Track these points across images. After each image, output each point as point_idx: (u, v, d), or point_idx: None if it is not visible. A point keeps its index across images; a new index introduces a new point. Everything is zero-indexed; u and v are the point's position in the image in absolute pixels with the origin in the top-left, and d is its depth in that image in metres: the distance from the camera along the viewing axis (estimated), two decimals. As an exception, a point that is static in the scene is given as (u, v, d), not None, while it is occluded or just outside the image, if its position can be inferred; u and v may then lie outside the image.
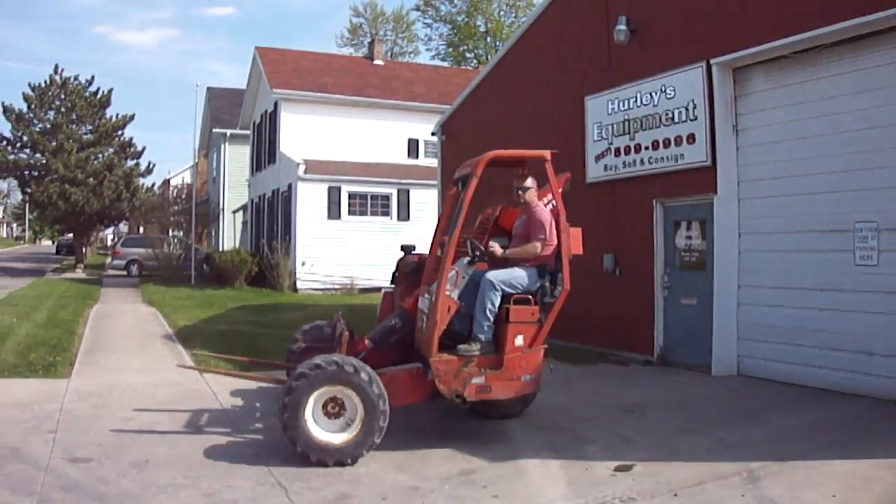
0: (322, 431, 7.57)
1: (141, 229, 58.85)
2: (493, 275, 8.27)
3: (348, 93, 33.31)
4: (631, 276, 14.10)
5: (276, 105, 32.70)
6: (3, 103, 45.84)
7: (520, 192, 8.89)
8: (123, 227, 74.63)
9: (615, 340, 14.29)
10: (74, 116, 46.70)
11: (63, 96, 46.86)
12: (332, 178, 29.72)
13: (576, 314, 15.00)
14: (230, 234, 44.28)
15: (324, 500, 6.77)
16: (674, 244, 13.43)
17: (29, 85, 46.80)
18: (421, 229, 27.37)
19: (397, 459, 7.88)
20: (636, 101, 13.86)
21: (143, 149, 48.40)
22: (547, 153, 8.74)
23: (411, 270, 9.74)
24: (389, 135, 32.77)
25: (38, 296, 26.00)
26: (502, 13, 68.54)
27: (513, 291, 8.26)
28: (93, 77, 47.58)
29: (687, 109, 12.79)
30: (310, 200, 29.49)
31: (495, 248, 8.55)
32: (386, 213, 30.73)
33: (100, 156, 46.51)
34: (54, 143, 44.67)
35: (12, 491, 6.85)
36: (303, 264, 29.30)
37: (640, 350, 13.77)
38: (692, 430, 8.94)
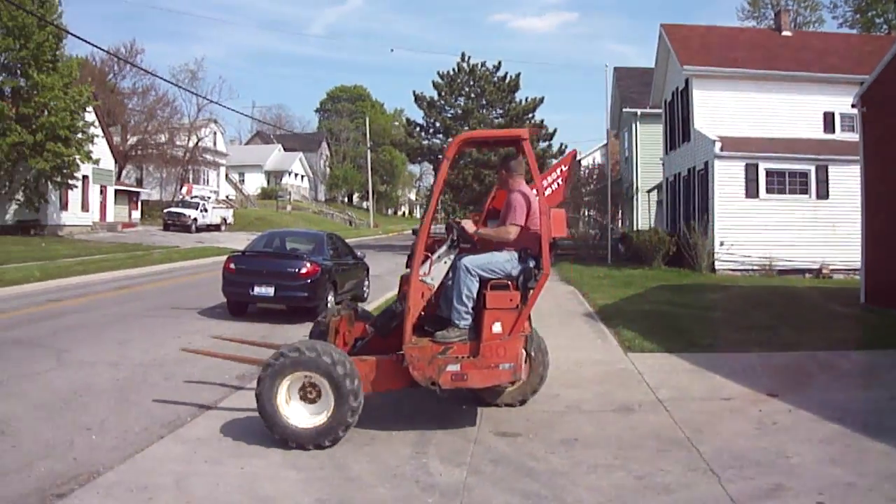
0: (293, 414, 7.84)
1: (554, 210, 61.43)
2: (469, 260, 8.29)
3: (759, 66, 33.16)
4: None
5: (686, 82, 33.34)
6: (414, 92, 50.85)
7: (501, 173, 8.99)
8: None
9: None
10: (484, 101, 49.75)
11: (472, 83, 50.37)
12: (749, 156, 29.69)
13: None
14: (643, 214, 45.45)
15: (757, 490, 6.74)
16: None
17: (438, 73, 50.57)
18: (841, 208, 27.25)
19: (832, 452, 7.74)
20: None
21: (555, 130, 50.55)
22: (524, 132, 8.62)
23: None
24: (803, 109, 32.14)
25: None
26: (911, -26, 63.95)
27: (491, 276, 8.23)
28: (499, 63, 50.31)
29: None
30: (727, 179, 29.68)
31: (467, 224, 8.60)
32: (804, 191, 30.09)
33: (512, 139, 48.71)
34: (466, 128, 47.63)
35: (442, 460, 7.46)
36: (721, 244, 29.43)
37: None
38: None
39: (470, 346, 8.10)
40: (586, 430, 8.56)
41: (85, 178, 51.22)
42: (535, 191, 8.57)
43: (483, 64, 50.75)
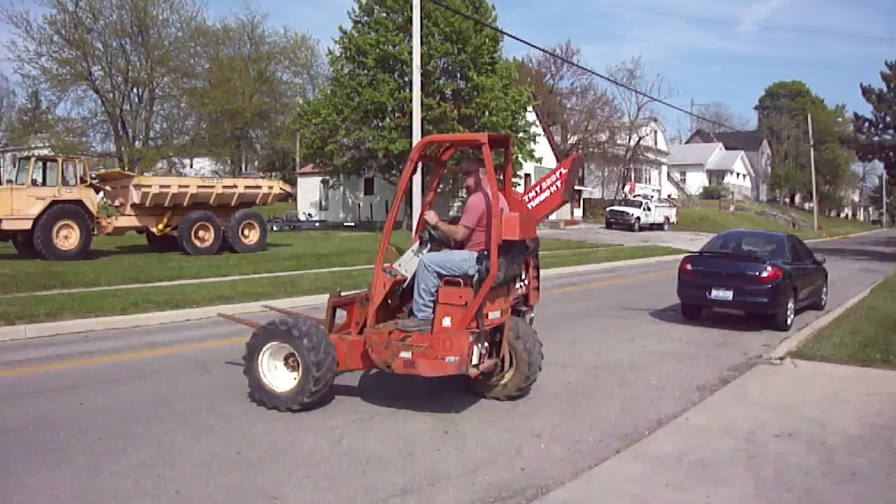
0: (270, 378, 9.00)
1: None
2: (429, 257, 8.91)
3: None
4: None
5: None
6: (861, 84, 47.92)
7: (462, 175, 9.52)
8: None
9: None
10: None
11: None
12: None
13: None
14: None
15: None
16: None
17: (886, 63, 47.03)
18: None
19: None
20: None
21: None
22: (483, 136, 8.78)
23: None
24: None
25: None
26: None
27: (447, 274, 8.65)
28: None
29: None
30: None
31: (429, 215, 9.22)
32: None
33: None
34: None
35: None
36: None
37: None
38: None
39: (426, 336, 8.60)
40: None
41: (527, 175, 53.70)
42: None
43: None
